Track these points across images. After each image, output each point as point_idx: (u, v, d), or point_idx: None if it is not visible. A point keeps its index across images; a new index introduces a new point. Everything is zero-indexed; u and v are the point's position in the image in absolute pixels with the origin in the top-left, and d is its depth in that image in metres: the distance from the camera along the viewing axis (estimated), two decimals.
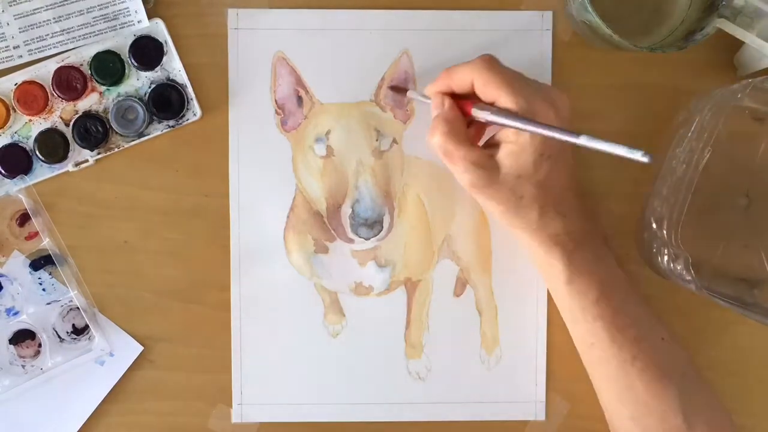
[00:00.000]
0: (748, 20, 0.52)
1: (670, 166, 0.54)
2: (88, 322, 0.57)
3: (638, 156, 0.42)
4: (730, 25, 0.52)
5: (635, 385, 0.51)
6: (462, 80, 0.51)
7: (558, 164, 0.51)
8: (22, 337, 0.58)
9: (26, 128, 0.57)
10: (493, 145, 0.52)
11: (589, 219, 0.55)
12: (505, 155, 0.50)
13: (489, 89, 0.49)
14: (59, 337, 0.58)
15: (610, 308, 0.52)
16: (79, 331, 0.58)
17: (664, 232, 0.53)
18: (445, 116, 0.51)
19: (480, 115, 0.50)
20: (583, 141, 0.44)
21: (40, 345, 0.58)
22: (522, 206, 0.51)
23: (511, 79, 0.50)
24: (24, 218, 0.58)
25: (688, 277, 0.51)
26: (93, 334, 0.57)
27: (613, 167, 0.59)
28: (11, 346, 0.57)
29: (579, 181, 0.55)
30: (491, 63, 0.50)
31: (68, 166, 0.58)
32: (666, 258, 0.53)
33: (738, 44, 0.57)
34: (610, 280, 0.53)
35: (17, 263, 0.57)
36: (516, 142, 0.49)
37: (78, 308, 0.58)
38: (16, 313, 0.58)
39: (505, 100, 0.49)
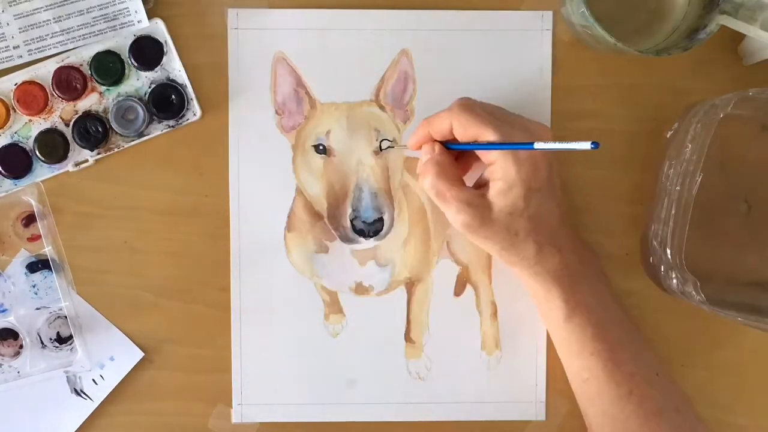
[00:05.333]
0: (750, 13, 0.52)
1: (665, 186, 0.54)
2: (72, 333, 0.57)
3: (586, 146, 0.43)
4: (733, 21, 0.52)
5: (630, 420, 0.52)
6: (441, 127, 0.51)
7: (547, 198, 0.51)
8: (5, 335, 0.57)
9: (26, 128, 0.57)
10: (482, 185, 0.52)
11: (585, 252, 0.56)
12: (495, 193, 0.50)
13: (469, 131, 0.50)
14: (42, 342, 0.58)
15: (607, 343, 0.52)
16: (62, 340, 0.58)
17: (669, 256, 0.53)
18: (436, 159, 0.51)
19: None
20: (538, 146, 0.47)
21: (21, 346, 0.57)
22: (518, 242, 0.51)
23: (489, 117, 0.50)
24: (30, 219, 0.58)
25: (699, 298, 0.52)
26: (76, 348, 0.57)
27: (617, 169, 0.59)
28: None
29: (570, 215, 0.56)
30: (467, 105, 0.51)
31: (68, 166, 0.58)
32: (675, 281, 0.53)
33: (738, 39, 0.57)
34: (607, 315, 0.54)
35: (14, 262, 0.57)
36: (504, 178, 0.50)
37: (65, 317, 0.57)
38: (4, 311, 0.57)
39: (485, 137, 0.49)
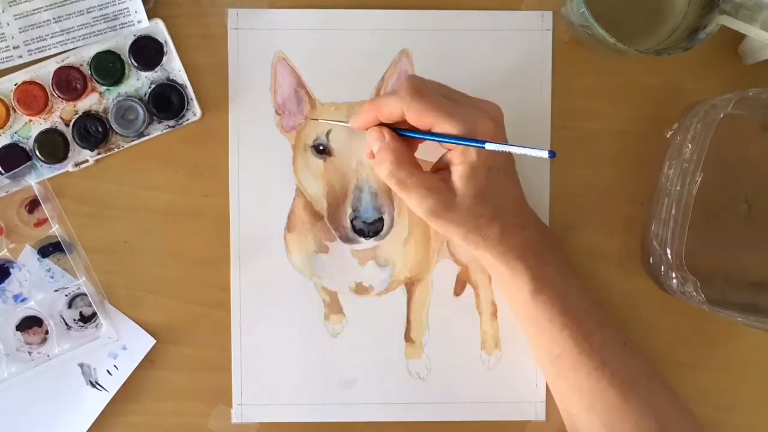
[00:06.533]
0: (749, 13, 0.52)
1: (665, 186, 0.54)
2: (95, 309, 0.57)
3: (543, 154, 0.45)
4: (733, 21, 0.52)
5: (607, 391, 0.51)
6: (390, 112, 0.50)
7: (507, 176, 0.52)
8: (29, 323, 0.58)
9: (26, 128, 0.57)
10: (441, 168, 0.51)
11: (542, 227, 0.56)
12: (458, 177, 0.49)
13: (424, 119, 0.49)
14: (66, 324, 0.58)
15: (575, 317, 0.52)
16: (86, 319, 0.58)
17: (669, 256, 0.53)
18: (390, 146, 0.50)
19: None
20: (490, 147, 0.47)
21: (47, 332, 0.58)
22: (482, 225, 0.50)
23: (444, 103, 0.49)
24: (33, 205, 0.58)
25: (699, 298, 0.52)
26: (100, 322, 0.57)
27: (617, 169, 0.59)
28: (18, 332, 0.57)
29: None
30: (419, 90, 0.49)
31: (68, 166, 0.58)
32: (675, 281, 0.53)
33: (738, 39, 0.57)
34: (571, 289, 0.54)
35: (26, 249, 0.58)
36: (465, 162, 0.49)
37: (86, 295, 0.57)
38: (23, 300, 0.57)
39: (444, 127, 0.49)
